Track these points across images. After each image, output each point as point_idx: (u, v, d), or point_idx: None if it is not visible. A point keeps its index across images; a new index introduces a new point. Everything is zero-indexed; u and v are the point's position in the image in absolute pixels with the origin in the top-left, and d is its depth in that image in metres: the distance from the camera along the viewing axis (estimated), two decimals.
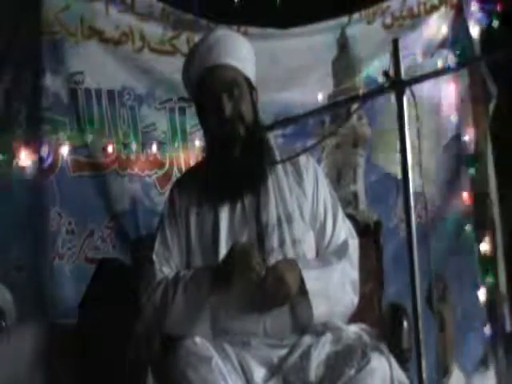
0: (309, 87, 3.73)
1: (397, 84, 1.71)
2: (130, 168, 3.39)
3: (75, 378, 2.41)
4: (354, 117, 3.63)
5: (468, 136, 4.10)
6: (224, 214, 2.21)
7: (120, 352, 2.35)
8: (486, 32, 4.04)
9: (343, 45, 3.78)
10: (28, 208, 3.20)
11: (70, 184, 3.27)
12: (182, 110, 3.52)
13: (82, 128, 3.32)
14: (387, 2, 3.91)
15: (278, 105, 3.44)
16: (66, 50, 3.30)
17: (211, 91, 2.21)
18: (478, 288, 3.95)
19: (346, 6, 3.78)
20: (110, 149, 3.36)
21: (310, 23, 3.73)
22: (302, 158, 2.31)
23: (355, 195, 3.67)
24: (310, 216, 2.25)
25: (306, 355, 2.06)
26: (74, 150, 3.30)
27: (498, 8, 4.02)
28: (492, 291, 3.97)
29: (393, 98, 1.73)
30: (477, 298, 3.93)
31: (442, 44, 4.04)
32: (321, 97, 3.73)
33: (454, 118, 4.09)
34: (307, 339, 2.11)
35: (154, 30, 3.49)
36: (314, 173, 2.31)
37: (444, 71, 3.98)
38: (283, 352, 2.11)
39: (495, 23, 4.01)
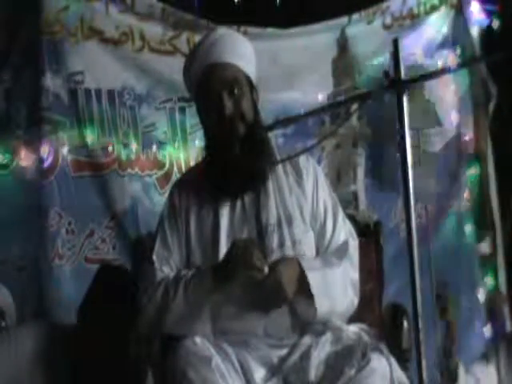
0: (309, 87, 3.73)
1: (397, 84, 1.71)
2: (130, 168, 3.39)
3: (75, 378, 2.41)
4: (354, 117, 3.63)
5: (468, 136, 4.10)
6: (224, 214, 2.21)
7: (120, 352, 2.35)
8: (486, 32, 4.04)
9: (343, 45, 3.78)
10: (28, 208, 3.20)
11: (70, 184, 3.27)
12: (182, 110, 3.52)
13: (81, 128, 3.32)
14: (387, 2, 3.91)
15: (278, 105, 3.44)
16: (66, 50, 3.30)
17: (212, 89, 2.21)
18: (477, 288, 3.95)
19: (346, 6, 3.78)
20: (110, 149, 3.36)
21: (310, 23, 3.73)
22: (302, 159, 2.31)
23: (355, 195, 3.67)
24: (310, 216, 2.25)
25: (306, 355, 2.06)
26: (73, 150, 3.30)
27: (498, 8, 4.02)
28: (492, 291, 3.97)
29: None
30: (477, 298, 3.93)
31: (442, 44, 4.04)
32: (321, 97, 3.73)
33: (454, 118, 4.09)
34: (307, 339, 2.11)
35: (154, 30, 3.49)
36: (314, 173, 2.31)
37: (444, 71, 3.98)
38: (283, 352, 2.11)
39: (495, 23, 4.01)
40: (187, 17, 3.53)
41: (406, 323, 2.27)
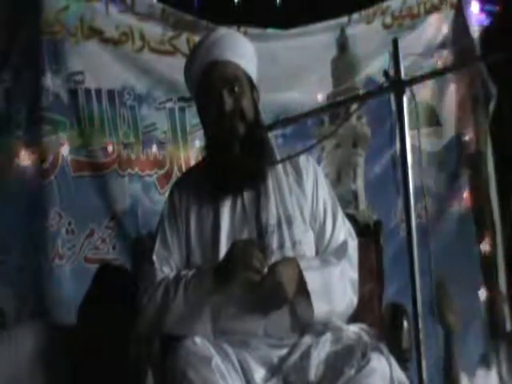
0: (309, 87, 3.73)
1: (397, 84, 1.71)
2: (130, 168, 3.39)
3: (75, 378, 2.41)
4: (354, 117, 3.63)
5: (468, 136, 4.09)
6: (224, 214, 2.21)
7: (120, 352, 2.35)
8: (486, 32, 4.04)
9: (343, 45, 3.78)
10: (28, 208, 3.20)
11: (69, 184, 3.27)
12: (182, 110, 3.52)
13: (81, 128, 3.32)
14: (387, 2, 3.91)
15: (278, 105, 3.44)
16: (66, 50, 3.30)
17: (212, 86, 2.22)
18: (478, 288, 3.95)
19: (346, 6, 3.78)
20: (110, 149, 3.36)
21: (310, 23, 3.73)
22: (302, 158, 2.31)
23: (355, 195, 3.67)
24: (309, 216, 2.25)
25: (305, 355, 2.06)
26: (73, 150, 3.30)
27: (498, 8, 4.02)
28: (492, 291, 3.97)
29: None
30: (477, 298, 3.93)
31: (442, 44, 4.04)
32: (321, 97, 3.73)
33: (453, 118, 4.08)
34: (307, 339, 2.11)
35: (154, 30, 3.49)
36: (314, 173, 2.31)
37: (444, 71, 3.98)
38: (283, 352, 2.11)
39: (495, 23, 4.01)
40: (187, 17, 3.53)
41: (405, 323, 2.27)
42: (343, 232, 2.27)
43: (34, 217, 3.20)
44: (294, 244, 2.18)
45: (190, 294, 2.11)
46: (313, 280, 2.09)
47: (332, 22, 3.80)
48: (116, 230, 3.32)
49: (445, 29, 4.06)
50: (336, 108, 3.68)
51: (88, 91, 3.35)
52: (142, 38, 3.47)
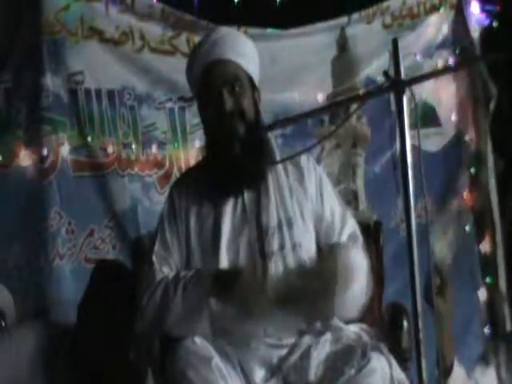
0: (308, 87, 3.73)
1: (397, 84, 1.71)
2: (130, 168, 3.39)
3: (75, 378, 2.41)
4: (354, 117, 3.63)
5: (468, 136, 4.09)
6: (225, 215, 2.20)
7: (120, 352, 2.35)
8: (486, 32, 4.04)
9: (343, 45, 3.78)
10: (28, 208, 3.20)
11: (70, 184, 3.27)
12: (182, 110, 3.52)
13: (82, 128, 3.32)
14: (387, 2, 3.91)
15: (278, 105, 3.45)
16: (66, 50, 3.30)
17: (212, 85, 2.22)
18: (478, 288, 3.95)
19: (345, 6, 3.78)
20: (110, 149, 3.36)
21: (310, 23, 3.73)
22: (303, 158, 2.31)
23: (355, 195, 3.67)
24: (313, 216, 2.24)
25: (305, 355, 2.06)
26: (73, 150, 3.30)
27: (498, 8, 4.02)
28: (492, 291, 3.97)
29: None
30: (477, 298, 3.93)
31: (442, 44, 4.04)
32: (321, 97, 3.73)
33: (453, 118, 4.08)
34: (307, 339, 2.11)
35: (154, 30, 3.49)
36: (316, 173, 2.31)
37: (444, 71, 3.98)
38: (283, 352, 2.11)
39: (495, 23, 4.01)
40: (187, 17, 3.53)
41: (405, 323, 2.27)
42: (352, 230, 2.28)
43: (34, 217, 3.20)
44: (294, 246, 2.18)
45: (189, 294, 2.11)
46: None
47: (332, 22, 3.80)
48: (116, 230, 3.32)
49: (445, 29, 4.05)
50: (336, 108, 3.68)
51: (88, 91, 3.35)
52: (142, 37, 3.47)
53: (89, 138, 3.33)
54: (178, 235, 2.24)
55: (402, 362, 2.12)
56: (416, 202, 1.72)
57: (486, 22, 4.04)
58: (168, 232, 2.25)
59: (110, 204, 3.33)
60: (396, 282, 2.95)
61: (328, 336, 2.09)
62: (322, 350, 2.06)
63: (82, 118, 3.33)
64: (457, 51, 4.03)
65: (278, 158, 2.29)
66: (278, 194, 2.23)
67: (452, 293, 2.26)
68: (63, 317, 3.00)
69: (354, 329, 2.14)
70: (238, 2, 3.62)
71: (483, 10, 4.04)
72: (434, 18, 4.04)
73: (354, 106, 3.00)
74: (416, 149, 1.74)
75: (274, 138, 2.45)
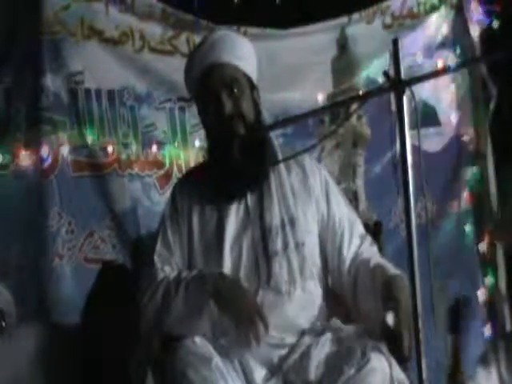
0: (309, 87, 3.73)
1: (397, 84, 1.71)
2: (130, 168, 3.39)
3: (75, 378, 2.41)
4: (354, 117, 3.63)
5: (468, 136, 4.09)
6: (228, 217, 2.20)
7: (120, 352, 2.35)
8: (486, 32, 4.04)
9: (343, 45, 3.78)
10: (28, 208, 3.19)
11: (69, 184, 3.26)
12: (182, 110, 3.52)
13: (81, 128, 3.32)
14: (387, 2, 3.91)
15: (278, 105, 3.44)
16: (66, 50, 3.30)
17: (211, 89, 2.22)
18: (478, 288, 3.95)
19: (345, 6, 3.77)
20: (110, 149, 3.36)
21: (310, 23, 3.73)
22: (307, 161, 2.32)
23: (355, 195, 3.67)
24: (319, 218, 2.25)
25: (306, 355, 2.06)
26: (73, 150, 3.30)
27: (498, 8, 4.01)
28: (492, 291, 3.97)
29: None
30: (477, 298, 3.92)
31: (442, 44, 4.04)
32: (321, 97, 3.73)
33: (453, 118, 4.08)
34: (307, 339, 2.11)
35: (153, 30, 3.49)
36: (322, 174, 2.31)
37: (444, 71, 3.98)
38: (283, 352, 2.11)
39: (495, 23, 4.01)
40: (187, 17, 3.53)
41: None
42: (361, 229, 2.29)
43: (34, 217, 3.20)
44: (297, 245, 2.19)
45: (190, 295, 2.11)
46: None
47: (332, 22, 3.80)
48: (116, 230, 3.32)
49: (445, 29, 4.05)
50: (336, 108, 3.68)
51: (88, 91, 3.35)
52: (142, 38, 3.47)
53: (89, 138, 3.32)
54: (179, 235, 2.24)
55: (402, 362, 2.12)
56: (416, 202, 1.72)
57: (486, 22, 4.04)
58: (170, 232, 2.25)
59: (110, 204, 3.33)
60: None
61: (328, 336, 2.09)
62: (322, 349, 2.06)
63: (82, 118, 3.33)
64: (457, 51, 4.03)
65: (280, 157, 2.29)
66: (281, 194, 2.24)
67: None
68: (63, 317, 3.01)
69: (354, 329, 2.14)
70: (237, 2, 3.62)
71: (483, 9, 4.04)
72: (434, 18, 4.04)
73: (354, 106, 3.00)
74: (416, 149, 1.74)
75: (275, 138, 2.44)
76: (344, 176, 3.70)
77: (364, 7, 3.86)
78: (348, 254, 2.23)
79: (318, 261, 2.24)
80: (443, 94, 4.05)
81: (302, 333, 2.14)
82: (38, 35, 3.26)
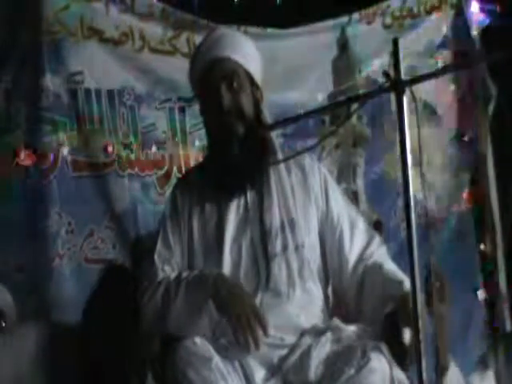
0: (309, 87, 3.73)
1: (397, 84, 1.71)
2: (130, 168, 3.39)
3: (75, 378, 2.41)
4: (354, 117, 3.63)
5: (468, 136, 4.09)
6: (228, 216, 2.20)
7: (120, 352, 2.35)
8: (486, 32, 4.04)
9: (343, 45, 3.78)
10: (28, 208, 3.19)
11: (69, 184, 3.26)
12: (182, 110, 3.52)
13: (81, 128, 3.32)
14: (387, 2, 3.91)
15: (278, 105, 3.44)
16: (66, 50, 3.30)
17: (211, 82, 2.23)
18: (477, 288, 3.95)
19: (345, 6, 3.77)
20: (110, 149, 3.36)
21: (310, 23, 3.73)
22: (307, 159, 2.31)
23: (355, 195, 3.67)
24: (319, 217, 2.25)
25: (306, 355, 2.06)
26: (73, 150, 3.30)
27: (498, 8, 4.01)
28: (492, 291, 3.97)
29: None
30: (477, 298, 3.92)
31: (442, 44, 4.04)
32: (321, 97, 3.73)
33: (453, 118, 4.08)
34: (307, 339, 2.11)
35: (153, 30, 3.49)
36: (321, 174, 2.31)
37: (444, 71, 3.98)
38: (283, 352, 2.11)
39: (495, 23, 4.00)
40: (187, 17, 3.53)
41: None
42: (364, 228, 2.28)
43: (34, 217, 3.20)
44: (296, 247, 2.18)
45: (190, 295, 2.11)
46: None
47: (332, 22, 3.80)
48: (116, 230, 3.32)
49: (445, 29, 4.05)
50: (336, 108, 3.68)
51: (88, 91, 3.35)
52: (142, 38, 3.46)
53: (89, 138, 3.32)
54: (180, 235, 2.24)
55: (402, 362, 2.12)
56: (416, 201, 1.72)
57: (486, 22, 4.04)
58: (170, 231, 2.25)
59: (109, 204, 3.32)
60: None
61: (328, 336, 2.09)
62: (322, 349, 2.06)
63: (82, 118, 3.33)
64: (457, 51, 4.03)
65: (280, 157, 2.29)
66: (281, 195, 2.24)
67: (451, 295, 2.27)
68: (63, 317, 3.01)
69: (353, 329, 2.14)
70: (237, 2, 3.62)
71: (483, 9, 4.04)
72: (433, 18, 4.04)
73: (354, 106, 3.00)
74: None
75: (275, 138, 2.45)
76: (344, 176, 3.70)
77: (364, 7, 3.85)
78: (351, 252, 2.23)
79: (318, 260, 2.24)
80: (443, 94, 4.05)
81: (302, 333, 2.14)
82: (38, 35, 3.26)
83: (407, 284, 2.04)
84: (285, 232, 2.19)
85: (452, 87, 4.07)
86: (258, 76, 2.31)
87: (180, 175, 3.17)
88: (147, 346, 2.21)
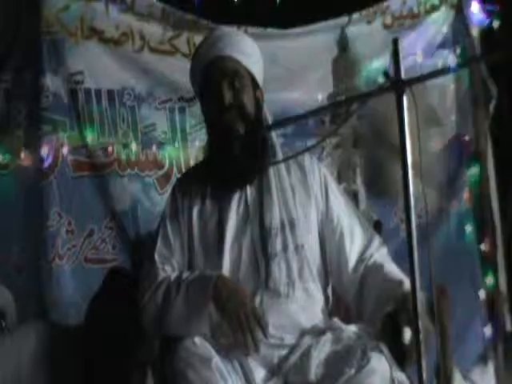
0: (309, 87, 3.73)
1: (397, 84, 1.71)
2: (130, 168, 3.39)
3: (75, 378, 2.41)
4: (354, 117, 3.63)
5: (468, 136, 4.09)
6: (228, 215, 2.20)
7: (120, 352, 2.35)
8: (486, 32, 4.04)
9: (343, 45, 3.78)
10: (28, 208, 3.19)
11: (69, 184, 3.26)
12: (182, 110, 3.52)
13: (81, 128, 3.32)
14: (387, 2, 3.91)
15: (278, 105, 3.44)
16: (66, 50, 3.30)
17: (212, 81, 2.23)
18: (478, 288, 3.95)
19: (346, 6, 3.77)
20: (110, 149, 3.36)
21: (310, 23, 3.73)
22: (306, 159, 2.31)
23: (355, 195, 3.67)
24: (318, 216, 2.25)
25: (306, 355, 2.06)
26: (73, 150, 3.30)
27: (498, 8, 4.01)
28: (492, 291, 3.97)
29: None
30: (477, 297, 3.92)
31: (442, 44, 4.04)
32: (321, 97, 3.73)
33: (453, 118, 4.08)
34: (307, 339, 2.11)
35: (154, 30, 3.49)
36: (321, 173, 2.31)
37: (444, 71, 3.98)
38: (283, 352, 2.11)
39: (495, 23, 4.00)
40: (187, 17, 3.53)
41: None
42: (364, 227, 2.28)
43: (33, 217, 3.20)
44: (296, 247, 2.18)
45: (190, 295, 2.11)
46: None
47: (332, 22, 3.80)
48: (116, 230, 3.32)
49: (445, 29, 4.05)
50: (336, 108, 3.68)
51: (88, 91, 3.35)
52: (142, 38, 3.47)
53: (89, 138, 3.32)
54: (180, 234, 2.24)
55: (402, 362, 2.12)
56: (416, 202, 1.72)
57: (486, 22, 4.04)
58: (170, 231, 2.25)
59: (109, 204, 3.33)
60: None
61: (328, 336, 2.09)
62: (322, 349, 2.06)
63: (82, 118, 3.33)
64: (457, 51, 4.03)
65: (280, 157, 2.29)
66: (281, 195, 2.23)
67: (450, 302, 2.27)
68: (63, 317, 3.01)
69: (353, 329, 2.13)
70: (237, 2, 3.62)
71: (483, 9, 4.04)
72: (434, 18, 4.03)
73: (354, 106, 2.99)
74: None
75: (276, 138, 2.44)
76: (344, 176, 3.70)
77: (364, 7, 3.85)
78: (351, 252, 2.23)
79: (318, 260, 2.24)
80: (443, 94, 4.05)
81: (302, 333, 2.13)
82: (38, 35, 3.26)
83: (407, 284, 2.04)
84: (285, 232, 2.18)
85: (452, 87, 4.07)
86: (259, 76, 2.31)
87: (180, 175, 3.18)
88: (147, 345, 2.21)
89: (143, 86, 3.46)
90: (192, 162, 3.42)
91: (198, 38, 3.36)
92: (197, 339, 2.04)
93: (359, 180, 3.72)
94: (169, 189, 3.01)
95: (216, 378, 1.97)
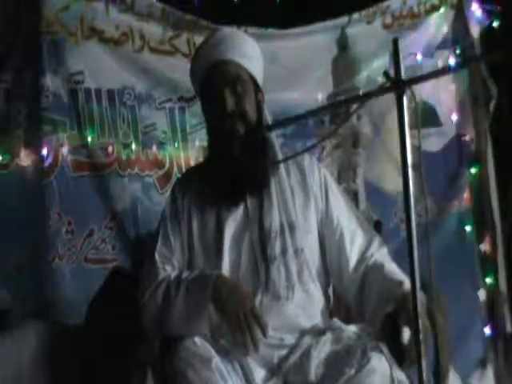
0: (309, 87, 3.73)
1: (397, 84, 1.71)
2: (130, 168, 3.39)
3: (75, 378, 2.41)
4: (354, 117, 3.63)
5: (468, 136, 4.09)
6: (228, 217, 2.20)
7: (120, 352, 2.35)
8: (486, 32, 4.03)
9: (343, 45, 3.78)
10: (28, 208, 3.20)
11: (69, 184, 3.27)
12: (182, 110, 3.52)
13: (81, 128, 3.32)
14: (387, 2, 3.91)
15: (278, 105, 3.44)
16: (66, 50, 3.30)
17: (214, 86, 2.22)
18: (477, 288, 3.95)
19: (345, 6, 3.77)
20: (110, 149, 3.36)
21: (310, 23, 3.73)
22: (306, 159, 2.31)
23: (355, 195, 3.67)
24: (318, 217, 2.24)
25: (306, 355, 2.06)
26: (73, 150, 3.30)
27: (499, 8, 4.01)
28: (492, 291, 3.97)
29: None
30: (477, 297, 3.92)
31: (442, 44, 4.04)
32: (321, 97, 3.73)
33: (454, 118, 4.08)
34: (307, 339, 2.11)
35: (153, 30, 3.49)
36: (321, 173, 2.30)
37: (444, 71, 3.97)
38: (283, 352, 2.11)
39: (495, 23, 4.00)
40: (187, 17, 3.53)
41: None
42: (363, 227, 2.28)
43: (34, 217, 3.20)
44: (296, 251, 2.18)
45: (190, 295, 2.11)
46: None
47: (332, 22, 3.80)
48: (116, 229, 3.32)
49: (445, 29, 4.05)
50: (336, 108, 3.68)
51: (88, 91, 3.35)
52: (142, 38, 3.47)
53: (89, 138, 3.33)
54: (180, 234, 2.24)
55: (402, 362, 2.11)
56: (416, 201, 1.72)
57: (486, 22, 4.04)
58: (170, 231, 2.25)
59: (109, 204, 3.33)
60: None
61: (328, 336, 2.09)
62: (322, 350, 2.06)
63: (82, 118, 3.33)
64: (457, 51, 4.03)
65: (280, 158, 2.29)
66: (281, 197, 2.23)
67: (446, 306, 2.26)
68: (63, 317, 3.01)
69: (353, 329, 2.13)
70: (237, 2, 3.62)
71: (483, 9, 4.04)
72: (434, 18, 4.03)
73: (354, 106, 3.00)
74: (416, 149, 1.74)
75: (275, 138, 2.44)
76: (344, 176, 3.70)
77: (364, 7, 3.85)
78: (352, 253, 2.23)
79: (318, 261, 2.24)
80: (443, 94, 4.05)
81: (302, 333, 2.13)
82: (38, 35, 3.26)
83: (407, 284, 2.04)
84: (284, 235, 2.18)
85: (452, 87, 4.07)
86: (260, 77, 2.31)
87: (180, 175, 3.17)
88: (147, 345, 2.21)
89: (143, 85, 3.47)
90: (192, 162, 3.42)
91: (197, 38, 3.36)
92: (197, 339, 2.04)
93: (359, 180, 3.72)
94: (169, 189, 3.01)
95: (216, 378, 1.97)
